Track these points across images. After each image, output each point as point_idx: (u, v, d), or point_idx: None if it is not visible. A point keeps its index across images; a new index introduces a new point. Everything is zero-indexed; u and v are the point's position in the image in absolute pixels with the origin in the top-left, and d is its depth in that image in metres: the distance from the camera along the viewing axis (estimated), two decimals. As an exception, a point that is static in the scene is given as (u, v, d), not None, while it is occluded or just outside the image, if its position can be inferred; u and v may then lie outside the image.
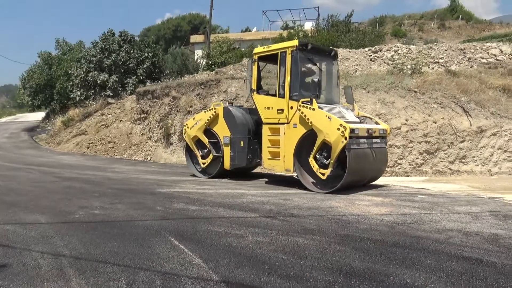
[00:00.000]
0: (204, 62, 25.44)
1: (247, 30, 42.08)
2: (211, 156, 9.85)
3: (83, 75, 24.21)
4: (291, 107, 8.31)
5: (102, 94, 23.29)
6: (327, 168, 7.69)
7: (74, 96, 25.26)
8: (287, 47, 8.56)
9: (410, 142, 11.64)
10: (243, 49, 26.61)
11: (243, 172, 10.44)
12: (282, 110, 8.49)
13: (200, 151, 10.16)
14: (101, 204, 6.69)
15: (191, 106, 15.33)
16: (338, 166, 7.66)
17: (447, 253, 4.18)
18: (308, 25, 29.80)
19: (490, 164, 11.55)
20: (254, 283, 3.46)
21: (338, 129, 7.32)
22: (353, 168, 7.46)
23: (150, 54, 24.95)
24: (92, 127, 20.00)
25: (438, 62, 17.84)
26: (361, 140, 7.75)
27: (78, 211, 6.16)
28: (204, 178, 9.97)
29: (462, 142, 11.62)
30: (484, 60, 17.56)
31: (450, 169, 11.39)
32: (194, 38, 35.24)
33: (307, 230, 5.11)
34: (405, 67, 15.76)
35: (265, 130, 8.93)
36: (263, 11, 38.03)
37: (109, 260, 4.04)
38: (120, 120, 19.14)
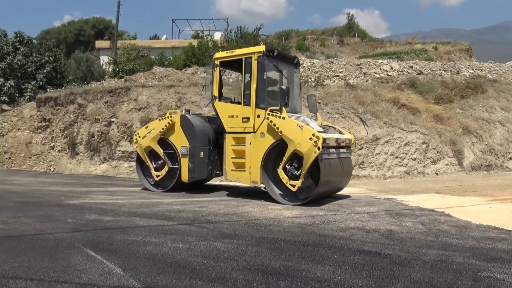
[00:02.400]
0: (110, 69, 24.54)
1: (156, 37, 41.44)
2: (166, 168, 9.12)
3: (-29, 79, 21.85)
4: (258, 116, 7.89)
5: (-5, 100, 21.22)
6: (297, 180, 7.38)
7: (-39, 101, 22.64)
8: (253, 53, 8.12)
9: (315, 150, 12.46)
10: (152, 56, 26.18)
11: (201, 184, 9.88)
12: (248, 118, 8.02)
13: (153, 163, 9.38)
14: (3, 219, 6.21)
15: (99, 114, 14.69)
16: (308, 177, 7.44)
17: (350, 249, 4.66)
18: (217, 35, 30.27)
19: (384, 169, 12.81)
20: (177, 287, 3.56)
21: (311, 139, 7.01)
22: (325, 179, 7.27)
23: (51, 58, 23.31)
24: (-17, 136, 18.13)
25: (338, 76, 19.33)
26: (331, 150, 7.54)
27: (-24, 227, 5.67)
28: (158, 191, 9.25)
29: (360, 149, 12.74)
30: (377, 75, 19.43)
31: (350, 174, 12.41)
32: (99, 44, 33.81)
33: (225, 234, 5.31)
34: (310, 80, 16.86)
35: (229, 140, 8.39)
36: (172, 20, 37.64)
37: (20, 275, 3.84)
38: (18, 129, 17.61)
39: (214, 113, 9.01)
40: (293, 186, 7.44)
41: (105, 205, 7.47)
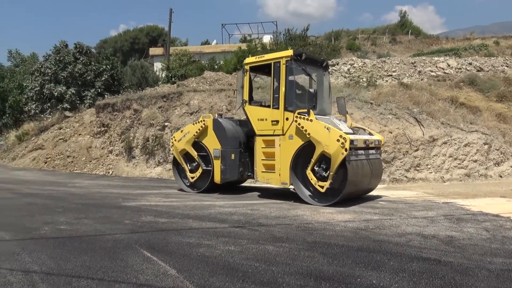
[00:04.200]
0: (164, 75, 25.35)
1: (207, 42, 42.31)
2: (200, 170, 9.48)
3: (38, 88, 23.44)
4: (287, 119, 8.07)
5: (59, 107, 22.61)
6: (326, 181, 7.49)
7: (29, 109, 24.34)
8: (281, 57, 8.32)
9: (368, 152, 12.14)
10: (203, 61, 26.75)
11: (234, 185, 10.13)
12: (277, 121, 8.24)
13: (188, 165, 9.75)
14: (67, 220, 6.58)
15: (153, 119, 15.23)
16: (336, 178, 7.51)
17: (407, 255, 4.47)
18: (266, 38, 30.39)
19: (442, 171, 12.22)
20: (230, 290, 3.58)
21: (338, 140, 7.12)
22: (353, 180, 7.36)
23: (108, 66, 24.53)
24: (49, 141, 19.36)
25: (391, 75, 18.73)
26: (359, 152, 7.64)
27: (43, 227, 6.03)
28: (193, 192, 9.63)
29: (416, 151, 12.25)
30: (433, 73, 18.63)
31: (406, 176, 11.96)
32: (153, 51, 35.02)
33: (276, 238, 5.28)
34: (361, 80, 16.48)
35: (259, 142, 8.65)
36: (222, 24, 38.38)
37: (82, 274, 4.03)
38: (79, 134, 18.66)
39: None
40: (322, 187, 7.55)
41: (160, 207, 7.70)
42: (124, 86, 24.27)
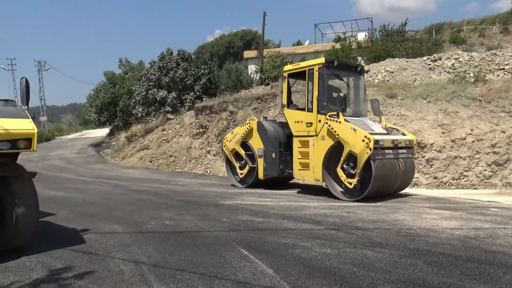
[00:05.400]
0: (257, 77, 25.88)
1: (299, 43, 42.31)
2: (247, 167, 10.52)
3: (144, 93, 25.45)
4: (319, 121, 8.74)
5: (161, 110, 24.31)
6: (354, 178, 8.05)
7: (136, 112, 26.55)
8: (315, 65, 9.02)
9: (476, 153, 11.15)
10: (296, 62, 26.77)
11: (278, 182, 10.73)
12: (311, 123, 8.94)
13: (238, 163, 10.84)
14: (170, 215, 7.03)
15: (248, 120, 15.63)
16: (364, 176, 8.00)
17: (528, 269, 4.00)
18: (361, 36, 29.47)
19: None
20: (327, 293, 3.51)
21: (363, 140, 7.70)
22: (378, 177, 7.80)
23: (206, 70, 25.74)
24: (154, 142, 20.90)
25: (503, 69, 16.98)
26: (387, 151, 8.10)
27: (150, 222, 6.52)
28: (242, 187, 10.67)
29: (534, 152, 10.95)
30: (555, 65, 16.48)
31: (522, 181, 10.75)
32: (247, 54, 35.94)
33: (375, 243, 5.08)
34: (468, 75, 15.20)
35: (296, 143, 9.42)
36: (314, 24, 38.14)
37: (185, 268, 4.26)
38: (180, 135, 19.86)
39: None
40: (350, 183, 8.12)
41: (255, 206, 7.85)
42: (220, 89, 25.26)
